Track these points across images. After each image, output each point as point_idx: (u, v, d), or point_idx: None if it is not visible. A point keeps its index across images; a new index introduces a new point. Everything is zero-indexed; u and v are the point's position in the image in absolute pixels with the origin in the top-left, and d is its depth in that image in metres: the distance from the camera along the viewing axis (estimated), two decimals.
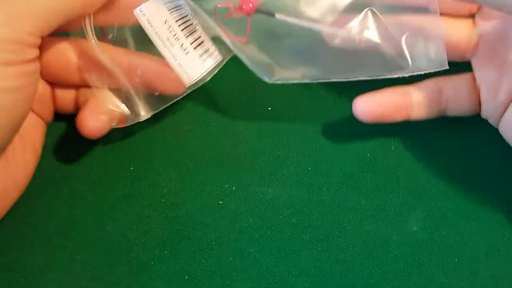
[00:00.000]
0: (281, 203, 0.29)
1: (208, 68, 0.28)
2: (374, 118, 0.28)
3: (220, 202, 0.29)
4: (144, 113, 0.29)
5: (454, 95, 0.28)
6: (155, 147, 0.31)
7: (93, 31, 0.27)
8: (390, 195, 0.29)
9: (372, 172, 0.30)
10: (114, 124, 0.28)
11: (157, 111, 0.29)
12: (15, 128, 0.24)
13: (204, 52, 0.28)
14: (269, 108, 0.32)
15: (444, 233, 0.28)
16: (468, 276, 0.27)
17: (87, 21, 0.27)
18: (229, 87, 0.32)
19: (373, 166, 0.30)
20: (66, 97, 0.29)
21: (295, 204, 0.29)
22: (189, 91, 0.29)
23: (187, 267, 0.28)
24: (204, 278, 0.27)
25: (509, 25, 0.26)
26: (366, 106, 0.28)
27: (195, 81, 0.28)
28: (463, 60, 0.28)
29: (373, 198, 0.29)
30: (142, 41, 0.28)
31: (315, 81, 0.28)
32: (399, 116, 0.29)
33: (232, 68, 0.32)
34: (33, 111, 0.28)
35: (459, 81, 0.28)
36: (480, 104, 0.28)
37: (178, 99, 0.29)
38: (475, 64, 0.28)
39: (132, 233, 0.28)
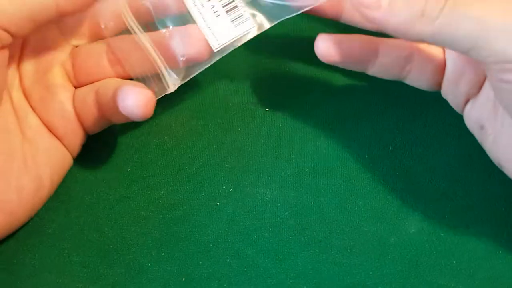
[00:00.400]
0: (279, 204, 0.29)
1: (238, 35, 0.28)
2: (333, 62, 0.28)
3: (218, 203, 0.29)
4: (172, 86, 0.28)
5: (418, 68, 0.28)
6: (152, 148, 0.31)
7: (136, 23, 0.27)
8: (388, 197, 0.29)
9: (370, 174, 0.29)
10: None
11: (185, 81, 0.29)
12: None
13: (237, 18, 0.28)
14: (267, 109, 0.32)
15: (442, 235, 0.28)
16: (466, 278, 0.27)
17: (127, 15, 0.27)
18: (227, 88, 0.32)
19: (371, 167, 0.30)
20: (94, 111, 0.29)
21: (292, 205, 0.29)
22: (218, 57, 0.28)
23: (184, 269, 0.28)
24: (202, 280, 0.27)
25: None
26: (329, 49, 0.27)
27: (223, 46, 0.28)
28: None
29: (371, 199, 0.29)
30: None
31: None
32: (358, 67, 0.28)
33: (231, 68, 0.32)
34: (59, 139, 0.28)
35: (429, 56, 0.28)
36: (440, 85, 0.28)
37: (205, 67, 0.28)
38: (447, 50, 0.28)
39: (129, 235, 0.28)
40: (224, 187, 0.30)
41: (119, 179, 0.30)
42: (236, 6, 0.27)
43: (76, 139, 0.29)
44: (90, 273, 0.27)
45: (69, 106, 0.29)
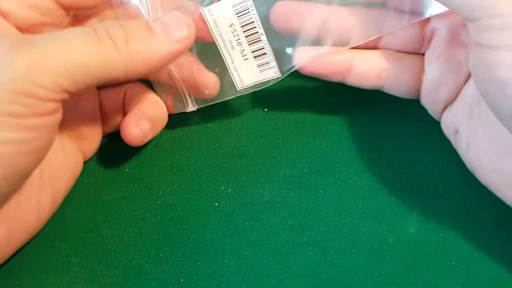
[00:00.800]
0: (277, 205, 0.29)
1: (262, 80, 0.29)
2: (309, 74, 0.28)
3: (216, 204, 0.29)
4: (191, 106, 0.30)
5: (395, 76, 0.28)
6: (150, 148, 0.30)
7: None
8: (386, 197, 0.29)
9: (368, 174, 0.29)
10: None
11: (204, 106, 0.30)
12: (18, 180, 0.23)
13: (264, 64, 0.28)
14: (265, 109, 0.32)
15: (441, 235, 0.28)
16: (465, 279, 0.27)
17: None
18: (225, 87, 0.32)
19: (369, 167, 0.30)
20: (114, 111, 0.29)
21: (291, 206, 0.29)
22: (239, 94, 0.29)
23: (183, 269, 0.27)
24: (200, 281, 0.27)
25: (460, 24, 0.26)
26: (305, 59, 0.28)
27: (245, 87, 0.29)
28: (418, 53, 0.28)
29: (370, 200, 0.29)
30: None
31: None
32: (335, 78, 0.29)
33: None
34: (76, 138, 0.28)
35: (405, 63, 0.28)
36: (419, 93, 0.28)
37: (227, 99, 0.30)
38: (427, 56, 0.28)
39: (128, 236, 0.28)
40: (222, 187, 0.29)
41: (117, 179, 0.30)
42: (265, 54, 0.28)
43: (96, 140, 0.29)
44: (88, 274, 0.27)
45: (97, 104, 0.29)
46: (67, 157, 0.28)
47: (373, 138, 0.30)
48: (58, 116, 0.23)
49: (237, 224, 0.28)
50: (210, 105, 0.30)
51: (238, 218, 0.29)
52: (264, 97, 0.32)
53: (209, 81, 0.28)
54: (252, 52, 0.28)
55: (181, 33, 0.24)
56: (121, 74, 0.23)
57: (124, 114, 0.29)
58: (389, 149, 0.30)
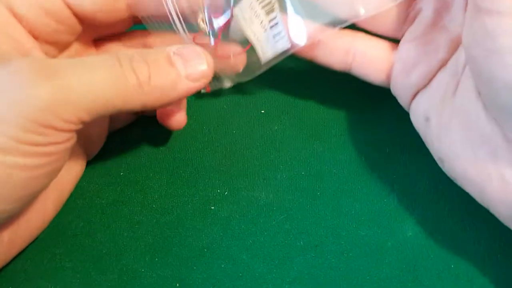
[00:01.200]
0: (274, 208, 0.29)
1: (279, 52, 0.28)
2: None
3: (212, 207, 0.29)
4: (227, 82, 0.30)
5: (364, 54, 0.28)
6: (145, 151, 0.30)
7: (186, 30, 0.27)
8: (384, 200, 0.29)
9: (366, 177, 0.29)
10: (202, 91, 0.30)
11: (239, 83, 0.30)
12: (30, 200, 0.23)
13: (277, 34, 0.28)
14: (262, 111, 0.31)
15: (439, 238, 0.27)
16: (464, 282, 0.26)
17: (177, 21, 0.26)
18: (222, 90, 0.32)
19: (367, 170, 0.29)
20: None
21: (288, 209, 0.29)
22: (264, 69, 0.29)
23: (178, 274, 0.27)
24: (196, 285, 0.27)
25: (445, 8, 0.26)
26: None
27: (268, 61, 0.28)
28: (397, 38, 0.28)
29: (368, 203, 0.29)
30: None
31: None
32: (305, 55, 0.29)
33: None
34: (83, 140, 0.28)
35: (376, 44, 0.28)
36: (388, 78, 0.28)
37: (258, 74, 0.29)
38: (405, 36, 0.27)
39: (122, 240, 0.28)
40: (218, 190, 0.29)
41: (112, 183, 0.29)
42: (277, 23, 0.28)
43: (101, 140, 0.29)
44: (82, 279, 0.27)
45: None
46: (73, 161, 0.28)
47: (371, 140, 0.30)
48: (72, 141, 0.23)
49: (233, 228, 0.28)
50: (243, 82, 0.30)
51: (234, 221, 0.28)
52: (260, 99, 0.31)
53: (235, 51, 0.28)
54: (269, 22, 0.28)
55: (200, 69, 0.25)
56: (139, 107, 0.23)
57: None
58: (387, 151, 0.30)
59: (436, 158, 0.26)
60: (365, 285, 0.27)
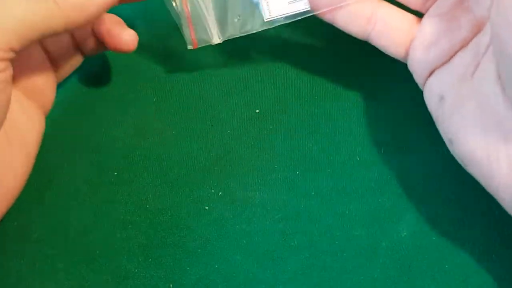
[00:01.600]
0: (269, 208, 0.28)
1: (290, 12, 0.28)
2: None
3: (206, 207, 0.29)
4: (216, 38, 0.29)
5: (385, 23, 0.27)
6: (139, 151, 0.30)
7: None
8: (379, 200, 0.28)
9: (361, 177, 0.29)
10: (189, 47, 0.29)
11: (229, 38, 0.29)
12: None
13: None
14: (257, 111, 0.31)
15: (434, 238, 0.27)
16: (459, 283, 0.26)
17: None
18: (216, 90, 0.32)
19: (362, 170, 0.29)
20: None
21: (282, 209, 0.28)
22: (267, 27, 0.28)
23: (172, 274, 0.27)
24: (189, 286, 0.27)
25: None
26: None
27: (272, 19, 0.28)
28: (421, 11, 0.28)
29: (362, 203, 0.28)
30: None
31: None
32: (325, 17, 0.28)
33: (220, 70, 0.32)
34: (31, 94, 0.28)
35: (399, 15, 0.28)
36: (407, 52, 0.27)
37: (253, 32, 0.28)
38: (429, 11, 0.27)
39: (116, 240, 0.28)
40: (212, 190, 0.29)
41: (105, 183, 0.29)
42: None
43: (51, 90, 0.29)
44: (75, 280, 0.27)
45: (42, 53, 0.28)
46: (29, 116, 0.28)
47: (366, 140, 0.30)
48: (9, 73, 0.24)
49: (227, 228, 0.28)
50: (235, 37, 0.29)
51: (228, 222, 0.28)
52: (255, 99, 0.31)
53: None
54: None
55: None
56: (61, 27, 0.24)
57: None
58: (382, 151, 0.30)
59: (445, 138, 0.26)
60: (359, 285, 0.27)
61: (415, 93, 0.30)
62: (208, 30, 0.29)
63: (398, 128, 0.30)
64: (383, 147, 0.30)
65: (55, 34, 0.24)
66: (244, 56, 0.32)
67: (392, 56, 0.28)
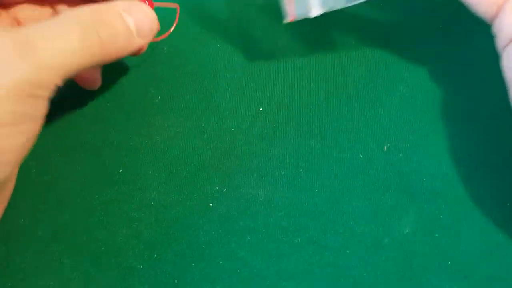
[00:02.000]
0: (272, 205, 0.29)
1: None
2: None
3: (210, 204, 0.29)
4: (315, 10, 0.28)
5: None
6: (143, 149, 0.30)
7: None
8: (382, 197, 0.29)
9: (364, 174, 0.29)
10: (286, 20, 0.28)
11: (328, 11, 0.28)
12: (17, 166, 0.24)
13: None
14: (260, 109, 0.31)
15: (436, 235, 0.28)
16: (461, 279, 0.26)
17: None
18: (219, 87, 0.32)
19: (364, 167, 0.29)
20: None
21: (286, 206, 0.29)
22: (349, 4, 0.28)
23: (177, 271, 0.27)
24: (194, 282, 0.27)
25: None
26: None
27: None
28: None
29: (365, 200, 0.29)
30: None
31: None
32: None
33: (223, 68, 0.32)
34: None
35: None
36: (497, 12, 0.27)
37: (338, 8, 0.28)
38: None
39: (121, 237, 0.28)
40: (217, 187, 0.29)
41: (111, 181, 0.29)
42: None
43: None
44: (81, 276, 0.27)
45: None
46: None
47: (369, 137, 0.30)
48: (48, 104, 0.24)
49: (232, 225, 0.28)
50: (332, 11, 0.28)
51: (233, 218, 0.28)
52: (258, 96, 0.31)
53: None
54: None
55: (150, 29, 0.27)
56: (96, 63, 0.25)
57: None
58: (385, 148, 0.30)
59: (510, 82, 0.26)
60: (362, 281, 0.27)
61: (419, 92, 0.30)
62: (305, 3, 0.28)
63: (401, 126, 0.30)
64: (385, 145, 0.30)
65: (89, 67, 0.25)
66: (247, 55, 0.33)
67: (479, 14, 0.27)
